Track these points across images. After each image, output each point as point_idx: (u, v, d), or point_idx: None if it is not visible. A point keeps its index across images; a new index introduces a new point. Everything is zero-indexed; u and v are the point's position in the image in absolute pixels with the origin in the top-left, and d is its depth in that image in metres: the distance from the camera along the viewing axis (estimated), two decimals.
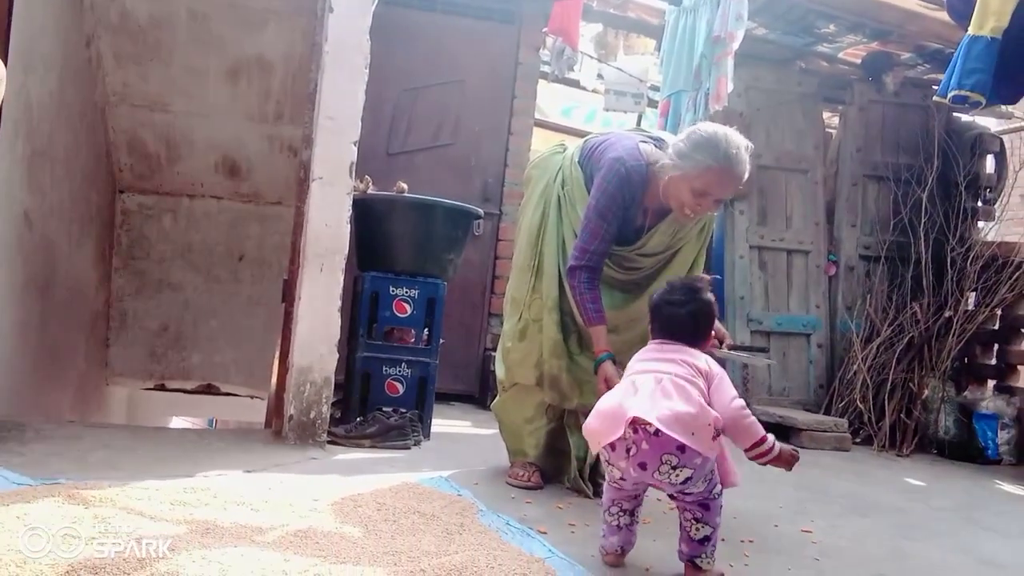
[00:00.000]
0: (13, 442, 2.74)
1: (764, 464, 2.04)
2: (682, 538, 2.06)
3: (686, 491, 1.98)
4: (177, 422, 8.48)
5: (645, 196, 2.66)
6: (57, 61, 3.94)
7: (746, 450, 2.03)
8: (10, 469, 2.34)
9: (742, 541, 2.50)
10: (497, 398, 3.05)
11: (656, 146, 2.68)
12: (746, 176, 2.49)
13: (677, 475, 1.93)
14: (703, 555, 2.03)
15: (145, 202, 5.65)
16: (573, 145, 2.97)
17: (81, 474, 2.42)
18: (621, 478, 2.02)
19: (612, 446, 1.97)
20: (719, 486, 2.03)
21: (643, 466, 1.94)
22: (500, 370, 3.01)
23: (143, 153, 5.37)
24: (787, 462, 2.04)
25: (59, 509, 1.97)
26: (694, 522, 2.02)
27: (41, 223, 3.90)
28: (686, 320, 2.16)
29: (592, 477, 2.87)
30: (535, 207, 2.93)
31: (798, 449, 2.09)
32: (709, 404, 1.98)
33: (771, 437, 2.01)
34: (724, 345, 2.61)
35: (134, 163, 5.42)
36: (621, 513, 2.10)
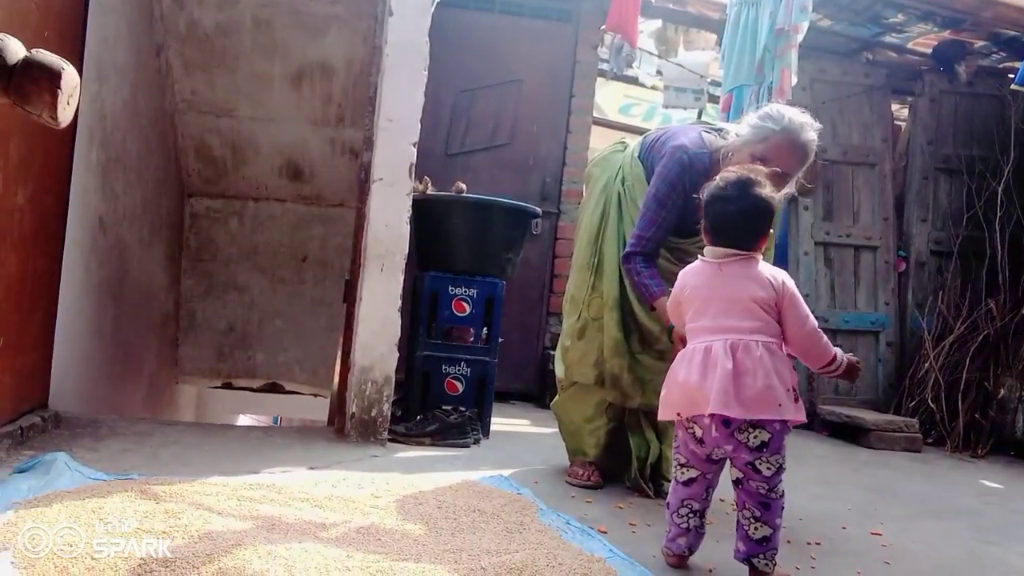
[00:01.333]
0: (88, 438, 2.84)
1: (830, 378, 2.13)
2: (740, 536, 2.02)
3: (757, 465, 1.94)
4: (243, 420, 8.69)
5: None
6: (129, 70, 4.07)
7: (816, 369, 2.08)
8: (86, 465, 2.43)
9: (809, 543, 2.45)
10: (556, 397, 3.04)
11: (720, 136, 2.63)
12: (811, 153, 2.40)
13: (755, 437, 1.92)
14: (761, 556, 1.98)
15: (212, 206, 5.80)
16: (634, 142, 2.94)
17: (152, 470, 2.49)
18: (701, 440, 1.99)
19: None
20: (782, 485, 1.99)
21: (726, 422, 1.93)
22: (559, 369, 3.00)
23: (210, 158, 5.51)
24: (850, 376, 2.08)
25: (132, 504, 2.04)
26: (753, 521, 1.98)
27: (114, 228, 4.03)
28: (736, 219, 2.02)
29: (653, 477, 2.84)
30: (595, 205, 2.91)
31: (860, 360, 2.12)
32: (783, 334, 1.99)
33: (839, 352, 2.04)
34: None
35: (201, 168, 5.57)
36: (691, 514, 2.06)
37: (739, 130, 2.50)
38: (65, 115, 0.66)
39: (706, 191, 2.10)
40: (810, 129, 2.39)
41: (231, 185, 5.71)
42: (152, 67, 4.62)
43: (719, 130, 2.69)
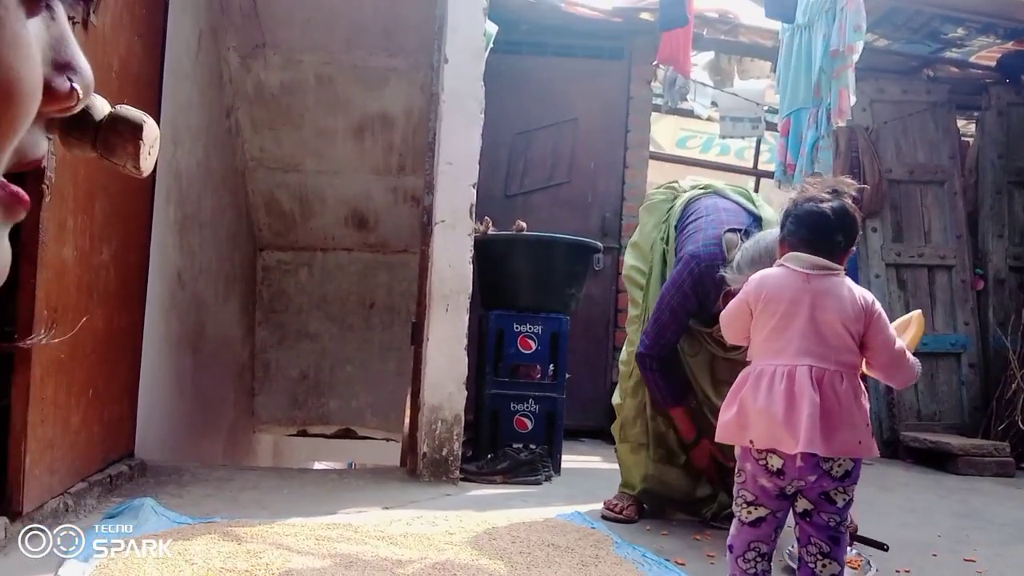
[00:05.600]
0: (172, 484, 2.94)
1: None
2: (803, 575, 1.83)
3: (833, 495, 1.78)
4: (318, 466, 8.81)
5: (722, 288, 2.45)
6: (202, 132, 4.27)
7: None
8: (171, 509, 2.51)
9: (898, 572, 2.36)
10: (615, 422, 3.04)
11: (747, 232, 2.50)
12: None
13: (840, 466, 1.76)
14: None
15: (283, 258, 5.98)
16: (682, 193, 2.92)
17: (233, 513, 2.56)
18: (778, 472, 1.76)
19: None
20: (850, 516, 1.86)
21: (812, 453, 1.72)
22: (615, 424, 3.02)
23: (279, 212, 5.71)
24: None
25: (215, 545, 2.10)
26: (820, 557, 1.79)
27: (192, 282, 4.20)
28: (831, 220, 1.81)
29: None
30: (639, 250, 2.97)
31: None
32: (869, 358, 1.83)
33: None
34: None
35: (271, 222, 5.76)
36: (759, 558, 1.83)
37: (738, 258, 2.26)
38: (147, 164, 0.72)
39: (796, 201, 1.89)
40: None
41: (300, 237, 5.89)
42: (223, 128, 4.84)
43: (752, 222, 2.61)
